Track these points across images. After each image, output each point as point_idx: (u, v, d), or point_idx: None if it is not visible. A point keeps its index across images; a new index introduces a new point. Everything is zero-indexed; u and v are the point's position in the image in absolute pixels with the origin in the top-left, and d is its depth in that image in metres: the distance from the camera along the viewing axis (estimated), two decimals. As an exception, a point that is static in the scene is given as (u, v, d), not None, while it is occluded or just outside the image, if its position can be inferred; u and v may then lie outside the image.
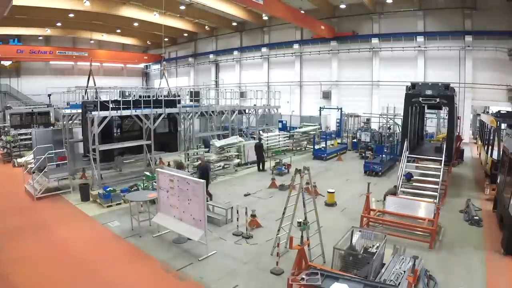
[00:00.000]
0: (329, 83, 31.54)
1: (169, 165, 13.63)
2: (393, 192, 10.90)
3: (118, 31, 39.28)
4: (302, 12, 27.76)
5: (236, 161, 16.49)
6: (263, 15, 31.51)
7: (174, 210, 8.51)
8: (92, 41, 41.74)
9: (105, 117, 12.94)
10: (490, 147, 13.60)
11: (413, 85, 12.98)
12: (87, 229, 9.61)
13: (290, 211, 7.77)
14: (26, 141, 20.19)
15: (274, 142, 20.43)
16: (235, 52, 38.54)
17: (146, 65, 50.89)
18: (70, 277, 7.02)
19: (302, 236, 6.85)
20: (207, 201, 11.72)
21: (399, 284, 5.49)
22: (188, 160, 16.11)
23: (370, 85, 29.38)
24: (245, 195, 12.47)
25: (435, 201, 9.99)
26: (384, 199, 10.32)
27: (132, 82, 46.98)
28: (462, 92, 24.36)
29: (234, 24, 36.47)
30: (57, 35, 37.97)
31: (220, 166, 16.29)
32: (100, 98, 13.98)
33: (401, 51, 27.56)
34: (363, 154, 19.42)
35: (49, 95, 33.45)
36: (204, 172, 11.28)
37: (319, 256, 7.50)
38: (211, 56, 41.41)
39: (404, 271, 5.86)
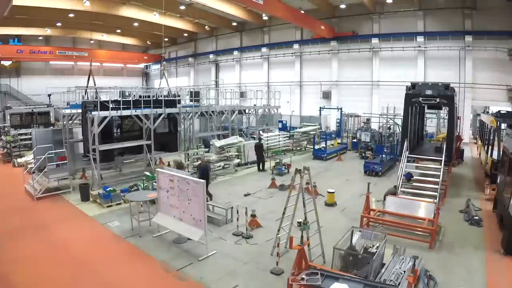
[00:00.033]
0: (329, 83, 31.54)
1: (169, 165, 13.64)
2: (393, 192, 10.90)
3: (118, 31, 39.28)
4: (302, 12, 27.76)
5: (236, 161, 16.49)
6: (263, 15, 31.52)
7: (174, 210, 8.51)
8: (92, 41, 41.76)
9: (105, 117, 12.94)
10: (490, 147, 13.60)
11: (413, 85, 12.98)
12: (87, 229, 9.61)
13: (290, 211, 7.77)
14: (26, 141, 20.18)
15: (274, 142, 20.44)
16: (235, 52, 38.55)
17: (146, 65, 50.90)
18: (70, 277, 7.02)
19: (302, 236, 6.85)
20: (207, 201, 11.77)
21: (399, 284, 5.49)
22: (188, 160, 16.12)
23: (370, 85, 29.38)
24: (245, 195, 12.47)
25: (435, 201, 9.99)
26: (384, 199, 10.32)
27: (132, 82, 46.98)
28: (462, 92, 24.36)
29: (234, 24, 36.48)
30: (57, 35, 37.98)
31: (220, 166, 16.29)
32: (100, 98, 13.98)
33: (401, 51, 27.56)
34: (363, 154, 19.42)
35: (49, 95, 33.46)
36: (204, 172, 11.28)
37: (319, 256, 7.50)
38: (211, 56, 41.42)
39: (404, 271, 5.86)
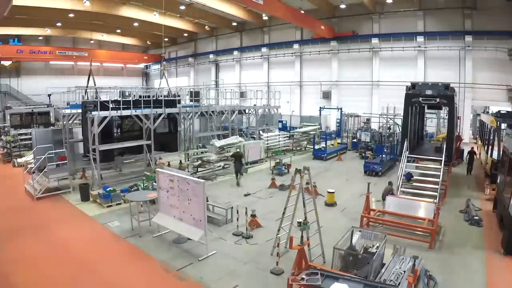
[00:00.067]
0: (329, 83, 31.53)
1: (169, 165, 13.64)
2: (389, 189, 10.87)
3: (118, 31, 39.26)
4: (302, 12, 27.75)
5: (236, 161, 16.46)
6: (263, 15, 31.51)
7: (174, 210, 8.51)
8: (92, 41, 41.73)
9: (105, 117, 12.94)
10: (490, 147, 13.60)
11: (413, 85, 12.99)
12: (87, 229, 9.61)
13: (290, 211, 7.77)
14: (26, 141, 20.19)
15: (274, 142, 20.45)
16: (235, 52, 38.54)
17: (146, 65, 50.89)
18: (70, 277, 7.02)
19: (302, 236, 6.85)
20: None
21: (399, 284, 5.49)
22: (188, 160, 16.12)
23: (370, 85, 29.36)
24: (245, 195, 12.48)
25: (435, 201, 10.00)
26: (383, 199, 10.32)
27: (132, 82, 46.97)
28: (462, 92, 24.34)
29: (234, 24, 36.47)
30: (57, 35, 37.95)
31: (220, 166, 16.29)
32: (100, 98, 13.98)
33: (401, 51, 27.54)
34: (363, 154, 19.43)
35: (49, 95, 33.45)
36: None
37: (319, 256, 7.50)
38: (211, 56, 41.40)
39: (404, 271, 5.86)
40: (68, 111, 14.90)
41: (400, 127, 17.16)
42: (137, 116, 14.27)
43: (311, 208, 7.76)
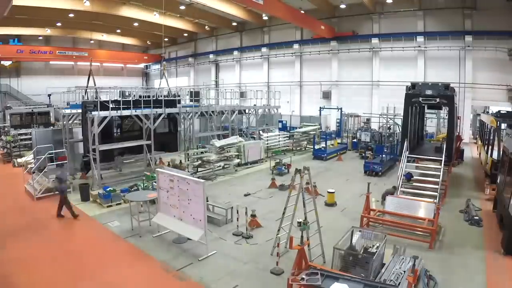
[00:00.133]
0: (329, 83, 31.54)
1: (168, 165, 13.64)
2: (391, 192, 10.87)
3: (118, 31, 39.27)
4: (302, 12, 27.76)
5: (236, 161, 16.48)
6: (263, 15, 31.52)
7: (174, 210, 8.51)
8: (92, 41, 41.75)
9: (105, 117, 12.94)
10: (490, 147, 13.60)
11: (413, 85, 12.98)
12: (87, 229, 9.61)
13: (290, 211, 7.77)
14: (26, 141, 20.18)
15: (274, 142, 20.45)
16: (235, 52, 38.54)
17: (146, 65, 50.91)
18: (70, 277, 7.02)
19: (302, 236, 6.85)
20: None
21: (399, 284, 5.49)
22: (188, 160, 16.11)
23: (370, 85, 29.37)
24: (245, 195, 12.47)
25: (435, 201, 10.00)
26: (383, 199, 10.32)
27: (132, 82, 46.98)
28: (462, 92, 24.36)
29: (234, 24, 36.48)
30: (57, 35, 37.97)
31: (220, 166, 16.30)
32: (100, 98, 13.98)
33: (401, 51, 27.56)
34: (363, 154, 19.42)
35: (49, 95, 33.47)
36: None
37: (319, 256, 7.50)
38: (211, 56, 41.41)
39: (404, 271, 5.86)
40: (68, 111, 14.91)
41: (400, 127, 17.16)
42: (137, 116, 14.27)
43: (311, 208, 7.76)
